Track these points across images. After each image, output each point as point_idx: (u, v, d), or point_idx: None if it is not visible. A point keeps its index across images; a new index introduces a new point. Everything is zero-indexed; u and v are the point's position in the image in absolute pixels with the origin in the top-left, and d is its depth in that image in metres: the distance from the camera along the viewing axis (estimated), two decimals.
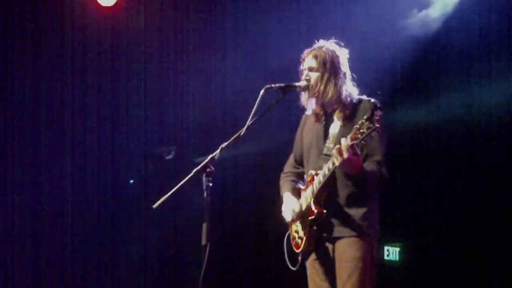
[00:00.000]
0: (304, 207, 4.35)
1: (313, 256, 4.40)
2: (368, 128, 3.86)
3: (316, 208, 4.24)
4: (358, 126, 3.90)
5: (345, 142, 3.93)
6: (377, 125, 3.84)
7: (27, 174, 7.24)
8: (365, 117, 3.89)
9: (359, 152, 3.98)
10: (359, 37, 6.15)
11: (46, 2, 7.25)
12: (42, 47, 7.27)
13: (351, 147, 3.93)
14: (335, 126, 4.33)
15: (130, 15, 7.30)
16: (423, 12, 6.47)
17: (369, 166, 4.17)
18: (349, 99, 4.32)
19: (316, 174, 4.27)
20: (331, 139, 4.31)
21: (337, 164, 4.02)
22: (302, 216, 4.37)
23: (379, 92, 4.48)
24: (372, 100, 4.27)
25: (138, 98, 7.37)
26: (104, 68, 7.35)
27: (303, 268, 4.45)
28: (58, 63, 7.31)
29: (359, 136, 3.89)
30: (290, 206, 4.41)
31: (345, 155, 3.93)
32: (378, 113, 3.88)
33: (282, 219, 4.50)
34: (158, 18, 7.31)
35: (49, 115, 7.30)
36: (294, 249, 4.43)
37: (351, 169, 4.04)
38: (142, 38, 7.35)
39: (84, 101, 7.35)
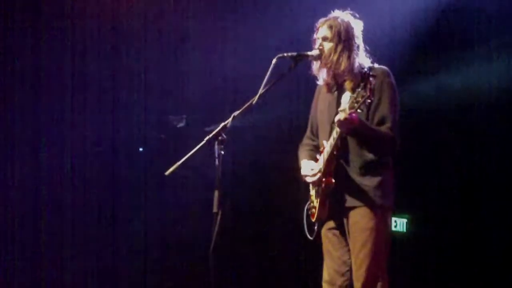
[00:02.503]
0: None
1: (327, 226, 4.42)
2: (362, 96, 3.89)
3: (325, 178, 4.25)
4: (355, 95, 3.92)
5: (344, 112, 3.96)
6: (368, 93, 3.85)
7: (27, 141, 7.19)
8: (361, 85, 3.91)
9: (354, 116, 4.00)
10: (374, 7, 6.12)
11: None
12: (44, 15, 7.19)
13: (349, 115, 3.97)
14: (346, 97, 4.32)
15: None
16: None
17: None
18: (359, 70, 4.31)
19: None
20: None
21: (339, 132, 4.09)
22: (315, 185, 4.38)
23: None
24: (378, 67, 4.28)
25: (146, 65, 7.32)
26: (109, 33, 7.26)
27: (320, 238, 4.48)
28: (59, 29, 7.21)
29: (355, 104, 3.91)
30: (309, 167, 4.41)
31: (345, 126, 4.00)
32: (372, 81, 3.89)
33: (300, 188, 4.51)
34: None
35: (50, 80, 7.21)
36: (311, 218, 4.45)
37: (350, 127, 4.05)
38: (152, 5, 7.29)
39: (88, 67, 7.26)
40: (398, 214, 6.61)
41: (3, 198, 7.12)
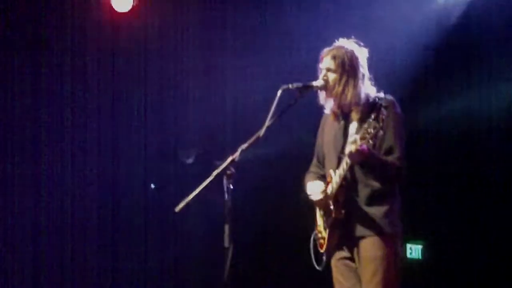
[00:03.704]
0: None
1: (336, 256, 4.40)
2: (374, 128, 3.89)
3: (334, 209, 4.25)
4: (366, 126, 3.93)
5: (355, 144, 3.95)
6: (381, 124, 3.86)
7: (28, 178, 7.22)
8: (372, 116, 3.90)
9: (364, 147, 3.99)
10: (380, 32, 6.14)
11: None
12: (50, 49, 7.26)
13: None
14: (353, 126, 4.31)
15: (146, 20, 7.29)
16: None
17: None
18: (365, 99, 4.31)
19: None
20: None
21: (349, 163, 4.08)
22: (323, 214, 4.37)
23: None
24: (386, 97, 4.26)
25: (156, 100, 7.38)
26: (120, 69, 7.34)
27: (328, 268, 4.44)
28: (61, 68, 7.29)
29: (367, 135, 3.91)
30: (314, 186, 4.38)
31: (357, 157, 4.00)
32: (384, 112, 3.90)
33: (307, 219, 4.49)
34: (173, 20, 7.32)
35: (50, 119, 7.28)
36: (319, 249, 4.43)
37: (362, 158, 4.05)
38: (158, 40, 7.35)
39: (98, 102, 7.33)
40: (413, 240, 6.57)
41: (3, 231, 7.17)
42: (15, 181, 7.19)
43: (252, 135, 4.16)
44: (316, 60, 4.43)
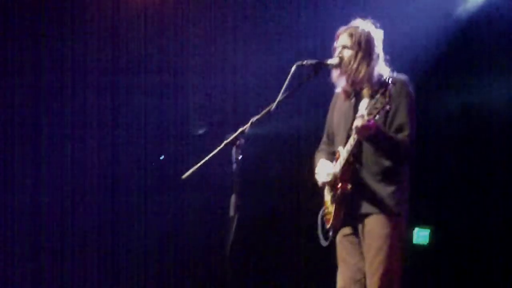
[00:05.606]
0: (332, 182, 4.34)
1: (341, 232, 4.40)
2: (381, 103, 3.89)
3: (341, 184, 4.25)
4: (374, 102, 3.93)
5: (362, 119, 3.96)
6: (387, 99, 3.86)
7: (28, 159, 7.26)
8: (380, 92, 3.90)
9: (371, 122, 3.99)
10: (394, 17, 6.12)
11: None
12: (47, 38, 7.26)
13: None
14: (363, 103, 4.31)
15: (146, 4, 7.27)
16: None
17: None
18: (378, 78, 4.31)
19: None
20: None
21: (357, 139, 4.08)
22: (331, 190, 4.37)
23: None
24: (399, 75, 4.27)
25: (167, 74, 7.38)
26: (120, 49, 7.35)
27: (333, 245, 4.45)
28: (63, 46, 7.29)
29: (374, 111, 3.92)
30: (324, 168, 4.39)
31: (363, 132, 4.00)
32: (391, 87, 3.89)
33: (316, 193, 4.50)
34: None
35: (52, 92, 7.31)
36: (326, 224, 4.43)
37: (368, 134, 4.04)
38: (173, 13, 7.33)
39: (98, 79, 7.36)
40: (421, 225, 6.58)
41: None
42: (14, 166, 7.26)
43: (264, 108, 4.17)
44: (323, 46, 4.46)
